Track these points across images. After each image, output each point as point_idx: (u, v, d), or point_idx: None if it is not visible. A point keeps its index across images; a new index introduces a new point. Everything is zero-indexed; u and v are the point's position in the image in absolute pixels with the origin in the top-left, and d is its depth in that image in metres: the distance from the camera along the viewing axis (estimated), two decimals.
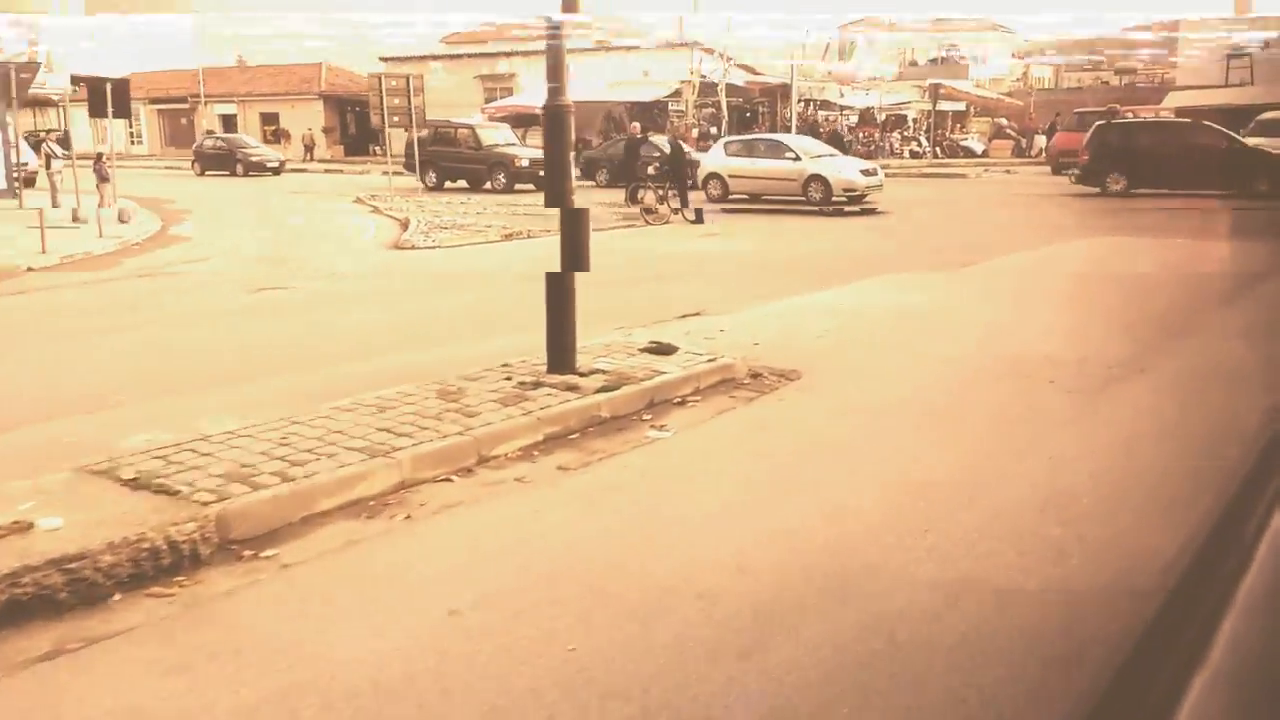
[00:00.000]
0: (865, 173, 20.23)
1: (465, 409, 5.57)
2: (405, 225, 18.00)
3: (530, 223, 18.69)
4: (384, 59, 45.80)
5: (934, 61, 69.62)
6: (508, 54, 43.14)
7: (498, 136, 27.45)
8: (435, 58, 44.65)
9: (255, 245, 16.66)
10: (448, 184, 26.89)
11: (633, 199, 19.79)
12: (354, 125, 49.72)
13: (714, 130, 37.05)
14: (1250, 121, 25.58)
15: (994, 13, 73.60)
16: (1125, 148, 21.26)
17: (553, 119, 6.21)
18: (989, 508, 4.33)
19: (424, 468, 4.90)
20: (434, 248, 15.46)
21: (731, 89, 37.41)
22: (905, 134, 38.89)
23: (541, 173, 25.36)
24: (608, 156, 27.45)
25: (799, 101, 37.87)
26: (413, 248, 15.28)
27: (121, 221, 17.86)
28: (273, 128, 48.89)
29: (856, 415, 5.84)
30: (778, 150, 20.99)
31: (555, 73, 6.15)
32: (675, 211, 19.53)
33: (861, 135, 38.47)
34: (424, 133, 27.33)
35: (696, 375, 6.51)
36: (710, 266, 12.94)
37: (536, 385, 6.09)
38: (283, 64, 50.95)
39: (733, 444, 5.42)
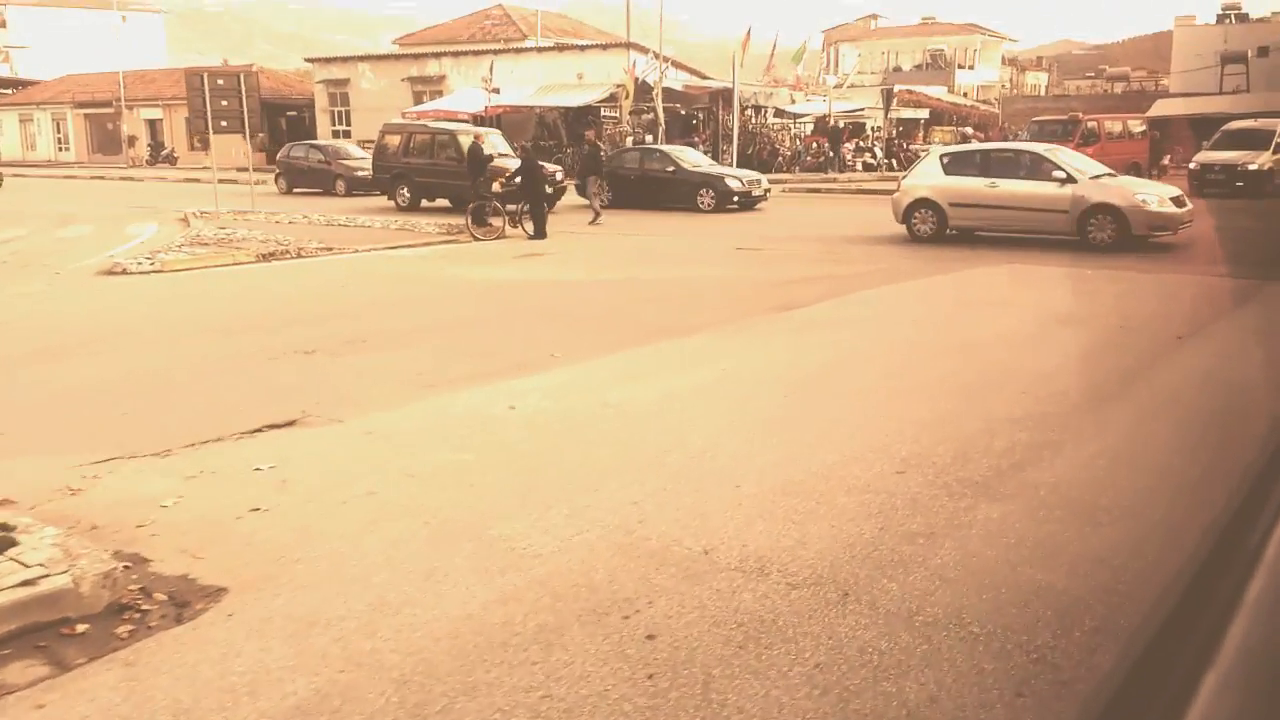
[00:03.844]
0: (1175, 201, 14.02)
1: None
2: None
3: (345, 238, 15.55)
4: (309, 60, 42.87)
5: (919, 67, 66.57)
6: (437, 55, 40.05)
7: (486, 147, 21.83)
8: (362, 59, 41.53)
9: None
10: (424, 203, 22.42)
11: (477, 220, 16.62)
12: (285, 131, 46.60)
13: (649, 138, 33.94)
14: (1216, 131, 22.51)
15: (984, 17, 70.55)
16: None
17: None
18: None
19: None
20: (152, 272, 12.65)
21: (671, 94, 34.25)
22: (860, 144, 35.56)
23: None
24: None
25: (746, 109, 34.69)
26: (124, 272, 12.48)
27: None
28: (199, 134, 45.84)
29: None
30: (1032, 167, 14.54)
31: None
32: (528, 234, 16.53)
33: (813, 145, 35.27)
34: (393, 139, 23.57)
35: None
36: (466, 316, 9.71)
37: None
38: (213, 65, 47.85)
39: None
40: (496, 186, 16.71)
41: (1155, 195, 14.13)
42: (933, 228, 15.16)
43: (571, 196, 22.16)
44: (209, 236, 15.51)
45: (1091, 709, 0.75)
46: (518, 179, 16.78)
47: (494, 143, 22.78)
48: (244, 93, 19.29)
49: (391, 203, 23.05)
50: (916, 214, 15.30)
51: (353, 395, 6.63)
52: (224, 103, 19.13)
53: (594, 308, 10.36)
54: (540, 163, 18.60)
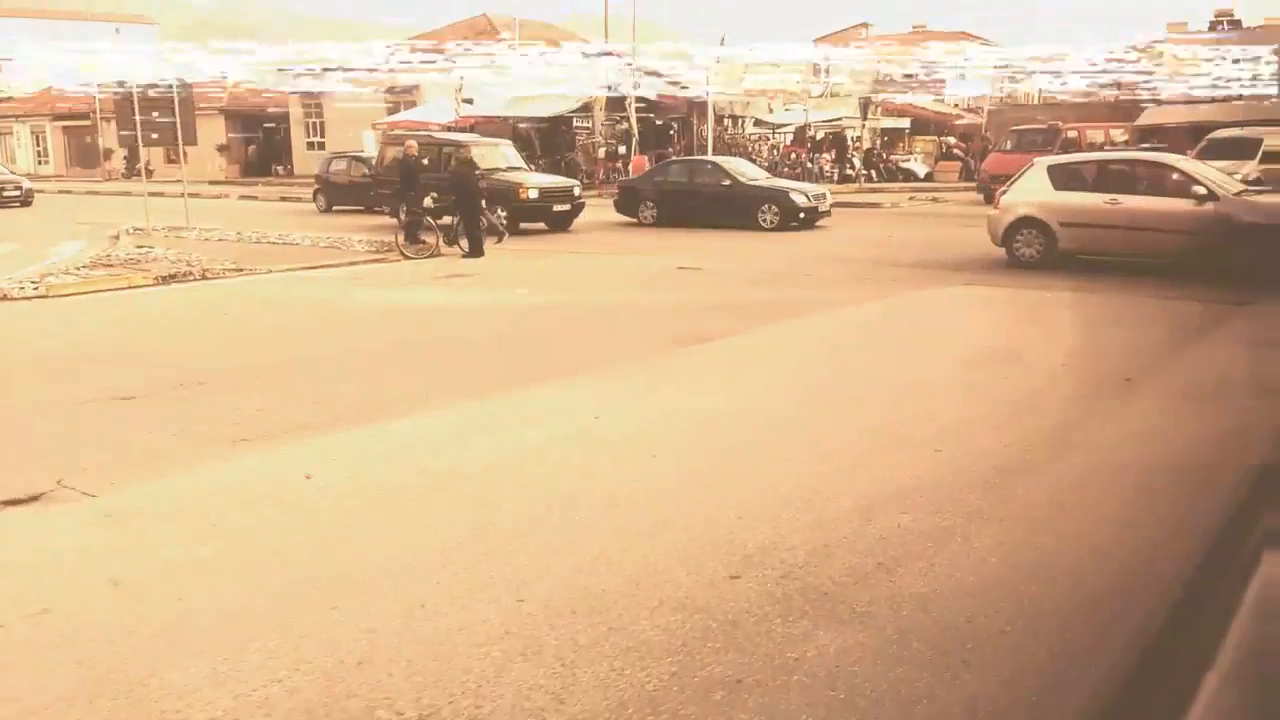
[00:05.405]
0: None
1: None
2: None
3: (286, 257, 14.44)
4: (281, 71, 42.05)
5: (908, 78, 65.66)
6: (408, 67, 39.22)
7: (498, 158, 20.29)
8: (333, 69, 40.69)
9: None
10: (430, 221, 19.89)
11: (411, 238, 15.66)
12: (262, 142, 45.81)
13: (623, 150, 33.07)
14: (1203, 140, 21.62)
15: (976, 26, 69.69)
16: None
17: None
18: None
19: None
20: (35, 297, 11.77)
21: (644, 103, 33.34)
22: (840, 154, 34.58)
23: (556, 207, 18.54)
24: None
25: (722, 118, 33.78)
26: (4, 298, 11.65)
27: None
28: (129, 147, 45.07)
29: None
30: (1158, 180, 12.53)
31: None
32: (463, 252, 15.60)
33: (792, 156, 34.29)
34: (394, 151, 20.98)
35: None
36: (336, 350, 8.66)
37: None
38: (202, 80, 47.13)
39: None
40: (429, 201, 15.74)
41: None
42: (1039, 251, 13.05)
43: (592, 214, 21.06)
44: (120, 256, 14.63)
45: (1095, 706, 0.76)
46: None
47: (506, 154, 21.09)
48: (177, 106, 18.45)
49: (394, 220, 20.00)
50: (1020, 235, 13.26)
51: (136, 456, 5.62)
52: (155, 114, 18.28)
53: (485, 341, 9.32)
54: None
